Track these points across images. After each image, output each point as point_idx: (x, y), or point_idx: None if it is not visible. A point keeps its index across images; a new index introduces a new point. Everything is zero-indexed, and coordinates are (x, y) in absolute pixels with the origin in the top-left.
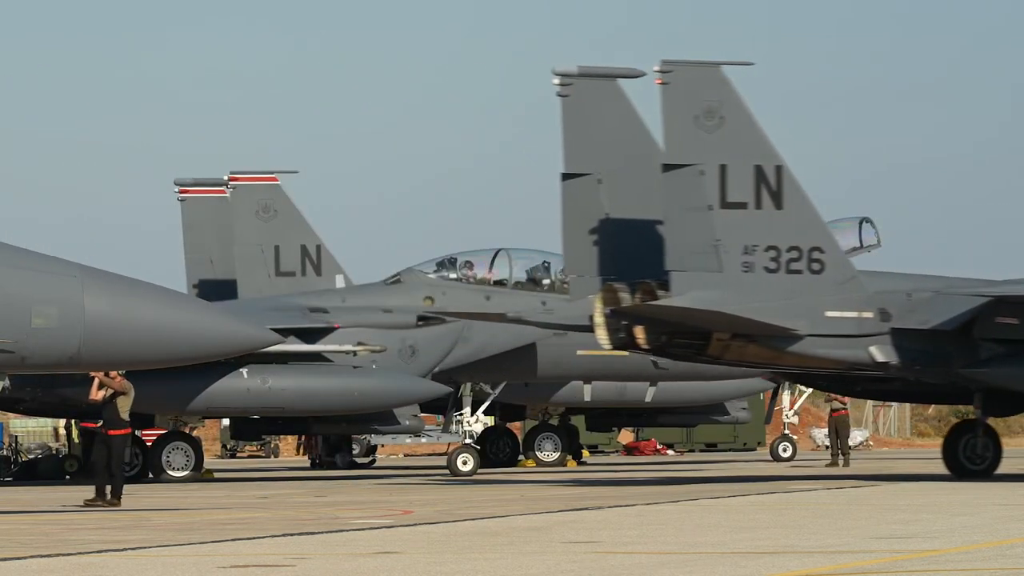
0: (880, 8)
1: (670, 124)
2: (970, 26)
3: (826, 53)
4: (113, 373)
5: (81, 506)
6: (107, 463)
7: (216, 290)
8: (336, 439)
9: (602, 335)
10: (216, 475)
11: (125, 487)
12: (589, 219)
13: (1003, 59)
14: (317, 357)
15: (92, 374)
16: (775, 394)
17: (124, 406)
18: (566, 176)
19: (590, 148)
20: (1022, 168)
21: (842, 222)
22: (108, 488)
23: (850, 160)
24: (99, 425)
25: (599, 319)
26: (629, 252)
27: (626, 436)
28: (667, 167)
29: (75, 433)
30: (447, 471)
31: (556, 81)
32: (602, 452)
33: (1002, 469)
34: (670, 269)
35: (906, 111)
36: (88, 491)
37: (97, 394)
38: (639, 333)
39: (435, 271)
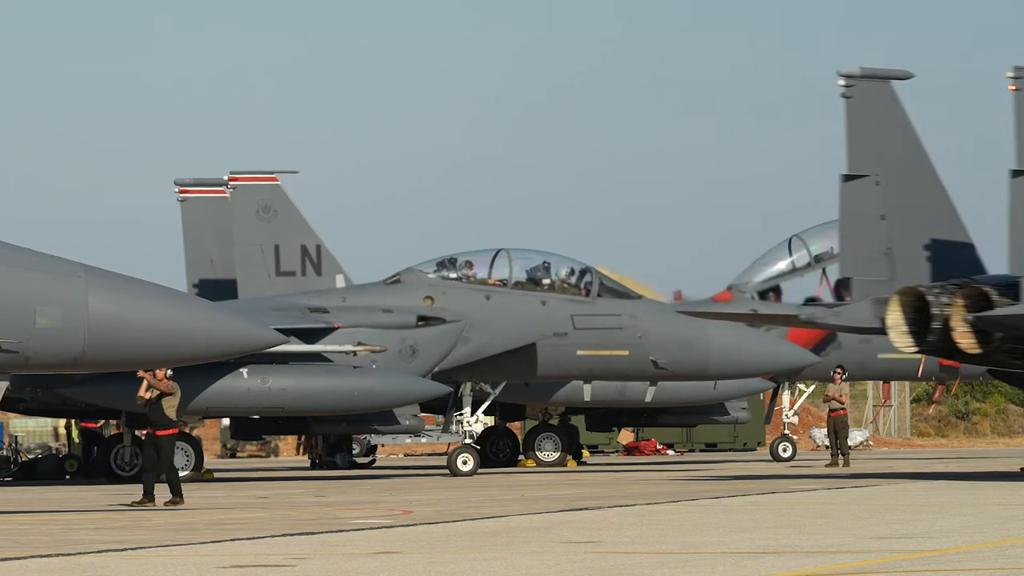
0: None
1: None
2: (970, 26)
3: (826, 52)
4: (159, 374)
5: (129, 506)
6: (155, 463)
7: (216, 290)
8: (336, 439)
9: (901, 338)
10: (216, 475)
11: (123, 487)
12: (866, 220)
13: (1004, 59)
14: (317, 357)
15: (140, 374)
16: (775, 394)
17: (171, 406)
18: (847, 177)
19: (869, 149)
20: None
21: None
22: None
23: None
24: (147, 426)
25: (896, 321)
26: (912, 254)
27: (626, 436)
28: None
29: (75, 433)
30: (447, 471)
31: (841, 83)
32: (602, 452)
33: (1001, 468)
34: None
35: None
36: (88, 491)
37: (145, 394)
38: (964, 338)
39: (435, 271)
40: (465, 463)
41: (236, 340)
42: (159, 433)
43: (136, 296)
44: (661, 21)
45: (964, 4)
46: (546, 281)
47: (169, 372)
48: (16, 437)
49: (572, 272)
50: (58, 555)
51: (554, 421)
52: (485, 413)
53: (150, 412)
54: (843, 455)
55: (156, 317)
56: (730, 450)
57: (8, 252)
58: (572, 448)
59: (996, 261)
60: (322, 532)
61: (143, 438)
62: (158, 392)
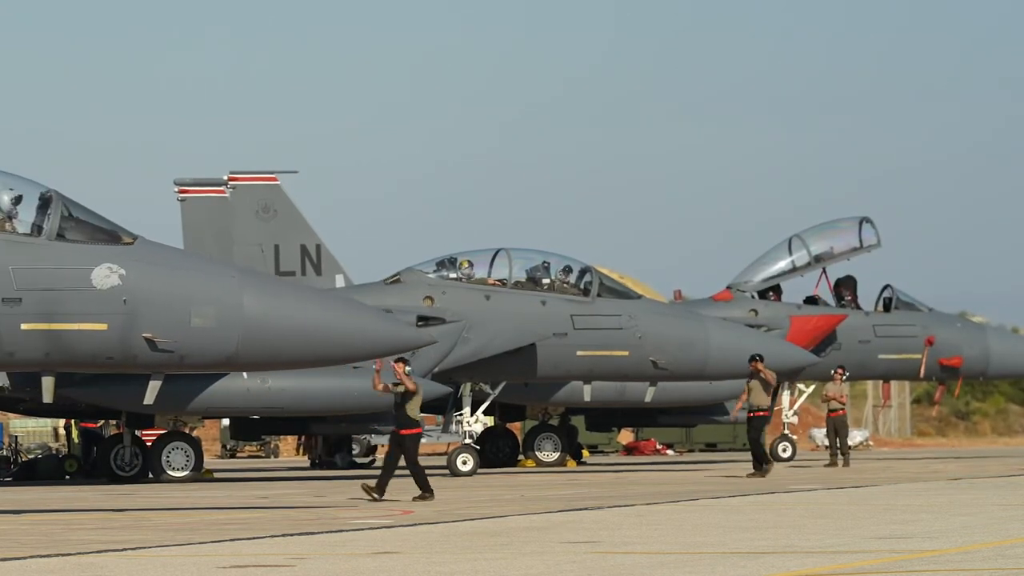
0: (882, 8)
1: None
2: (970, 26)
3: (827, 52)
4: (399, 369)
5: (366, 497)
6: (395, 461)
7: None
8: (336, 439)
9: None
10: (216, 475)
11: (124, 487)
12: None
13: (1004, 59)
14: None
15: (378, 366)
16: (775, 394)
17: (415, 406)
18: None
19: None
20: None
21: (842, 222)
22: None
23: (851, 160)
24: (392, 427)
25: None
26: None
27: (626, 436)
28: None
29: (75, 433)
30: (447, 471)
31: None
32: (602, 452)
33: (1001, 470)
34: None
35: (909, 111)
36: (88, 491)
37: (379, 386)
38: None
39: (435, 271)
40: (465, 463)
41: (386, 340)
42: (403, 432)
43: (288, 296)
44: (660, 19)
45: (963, 4)
46: (546, 281)
47: (408, 369)
48: (16, 437)
49: (572, 272)
50: (58, 555)
51: (554, 421)
52: (485, 413)
53: (396, 413)
54: (843, 455)
55: (308, 317)
56: (730, 450)
57: (164, 253)
58: (572, 448)
59: None
60: (322, 532)
61: (389, 437)
62: (404, 391)
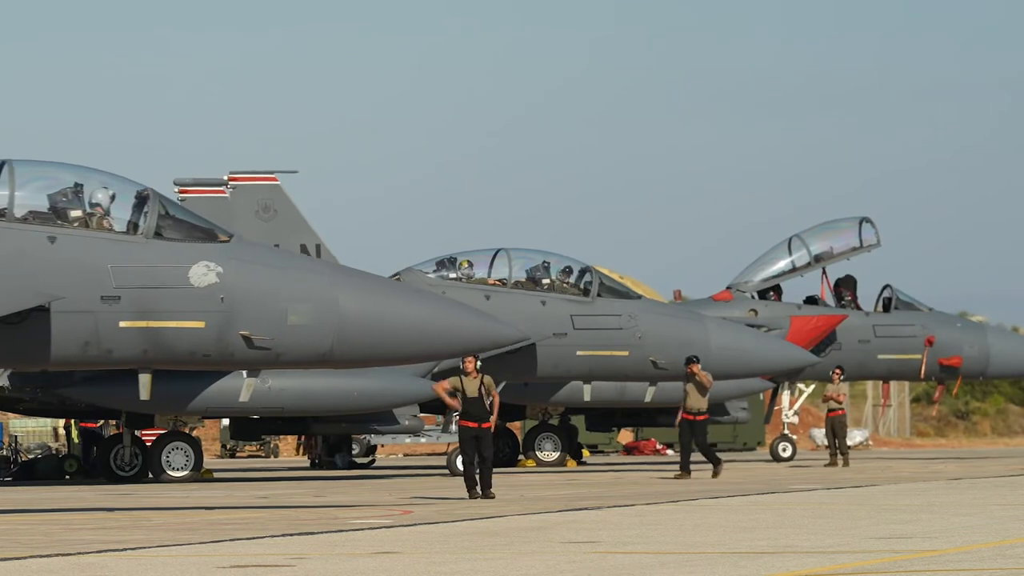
0: (880, 7)
1: None
2: (969, 26)
3: (826, 52)
4: (468, 365)
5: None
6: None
7: None
8: (336, 439)
9: None
10: (216, 475)
11: (123, 487)
12: None
13: (1003, 59)
14: None
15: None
16: (774, 394)
17: (496, 402)
18: None
19: None
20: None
21: (842, 222)
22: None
23: (851, 160)
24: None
25: None
26: None
27: (626, 436)
28: None
29: (75, 433)
30: (447, 471)
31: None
32: (602, 452)
33: (1001, 470)
34: None
35: (909, 111)
36: (88, 491)
37: (445, 390)
38: None
39: (435, 271)
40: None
41: (480, 336)
42: (484, 426)
43: (383, 293)
44: (660, 18)
45: (962, 4)
46: (546, 281)
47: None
48: (16, 437)
49: (572, 272)
50: (58, 555)
51: (554, 421)
52: None
53: (472, 406)
54: (842, 455)
55: (402, 314)
56: (730, 450)
57: (260, 251)
58: (572, 448)
59: None
60: (322, 532)
61: (475, 432)
62: (488, 391)
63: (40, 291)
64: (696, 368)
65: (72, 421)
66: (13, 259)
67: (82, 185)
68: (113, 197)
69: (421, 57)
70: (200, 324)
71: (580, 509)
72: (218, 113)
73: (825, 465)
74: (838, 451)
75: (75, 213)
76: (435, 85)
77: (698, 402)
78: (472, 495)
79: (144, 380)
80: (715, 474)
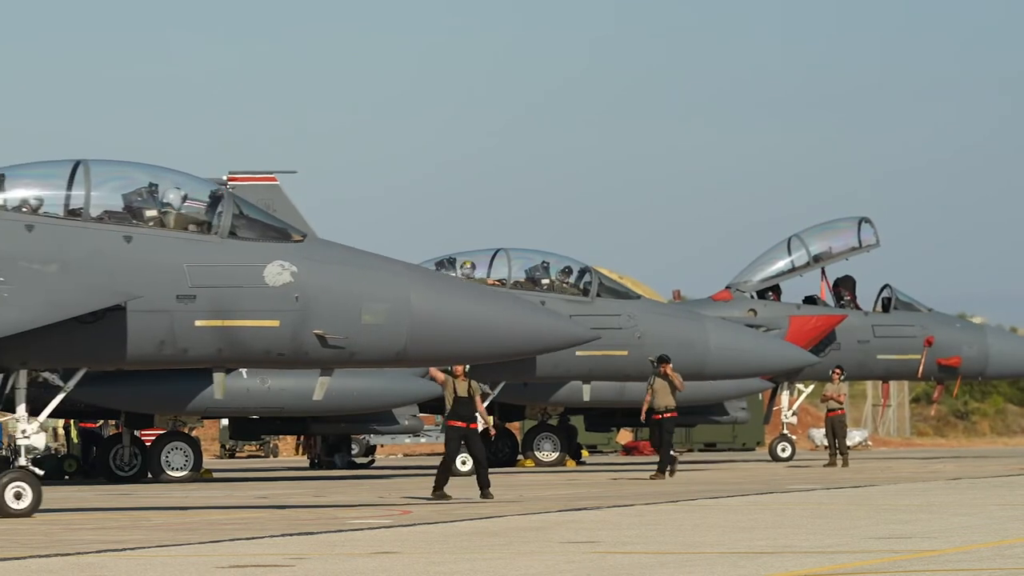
0: (879, 8)
1: None
2: (968, 27)
3: (826, 53)
4: (458, 370)
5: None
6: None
7: None
8: (335, 439)
9: None
10: (215, 475)
11: (122, 487)
12: None
13: (1003, 59)
14: None
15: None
16: (774, 394)
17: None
18: None
19: None
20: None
21: (841, 222)
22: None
23: (849, 160)
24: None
25: None
26: None
27: (625, 436)
28: None
29: (74, 433)
30: None
31: None
32: (601, 452)
33: (1000, 470)
34: None
35: (908, 111)
36: (87, 491)
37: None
38: None
39: (435, 271)
40: (464, 463)
41: (551, 335)
42: (471, 426)
43: (456, 293)
44: (659, 19)
45: (961, 4)
46: (545, 281)
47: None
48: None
49: (571, 272)
50: (57, 555)
51: (553, 421)
52: None
53: (461, 406)
54: (841, 455)
55: (475, 313)
56: (729, 450)
57: (334, 250)
58: (571, 448)
59: None
60: (321, 532)
61: (462, 432)
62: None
63: (118, 290)
64: (668, 368)
65: (71, 421)
66: (90, 259)
67: (156, 184)
68: (187, 196)
69: (420, 57)
70: (275, 323)
71: (579, 509)
72: (217, 113)
73: (824, 465)
74: (837, 451)
75: (150, 212)
76: (434, 85)
77: (666, 400)
78: (435, 494)
79: (218, 379)
80: (657, 475)
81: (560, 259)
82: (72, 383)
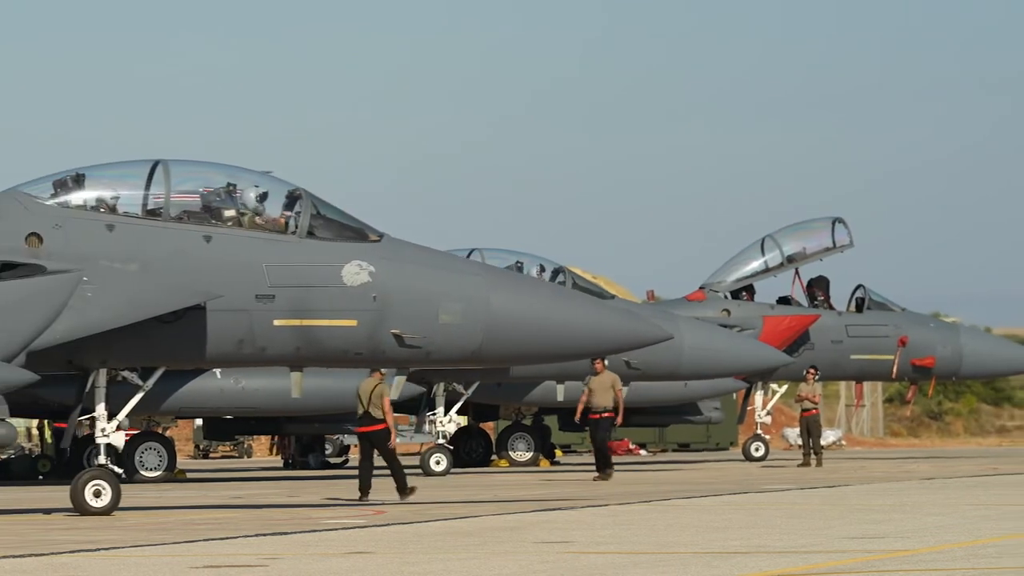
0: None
1: None
2: (949, 30)
3: (804, 58)
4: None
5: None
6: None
7: None
8: (309, 439)
9: None
10: (189, 475)
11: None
12: None
13: (980, 62)
14: None
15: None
16: (747, 394)
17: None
18: None
19: None
20: (1012, 172)
21: (815, 223)
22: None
23: (824, 164)
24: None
25: None
26: None
27: None
28: None
29: (48, 433)
30: (420, 471)
31: None
32: (575, 452)
33: (974, 470)
34: None
35: (883, 114)
36: (62, 492)
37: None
38: None
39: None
40: (438, 463)
41: (626, 335)
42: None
43: (531, 293)
44: (643, 25)
45: (944, 6)
46: None
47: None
48: None
49: (545, 272)
50: (31, 555)
51: (527, 421)
52: (458, 413)
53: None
54: (815, 455)
55: (550, 313)
56: (703, 450)
57: (410, 250)
58: (545, 448)
59: None
60: (295, 532)
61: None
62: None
63: (198, 290)
64: (601, 366)
65: (45, 421)
66: (171, 258)
67: (235, 184)
68: (265, 196)
69: (405, 56)
70: (352, 323)
71: (553, 509)
72: (216, 113)
73: (798, 465)
74: (812, 451)
75: (229, 212)
76: (414, 88)
77: (604, 399)
78: (361, 497)
79: (295, 378)
80: (599, 477)
81: (534, 259)
82: (151, 382)
